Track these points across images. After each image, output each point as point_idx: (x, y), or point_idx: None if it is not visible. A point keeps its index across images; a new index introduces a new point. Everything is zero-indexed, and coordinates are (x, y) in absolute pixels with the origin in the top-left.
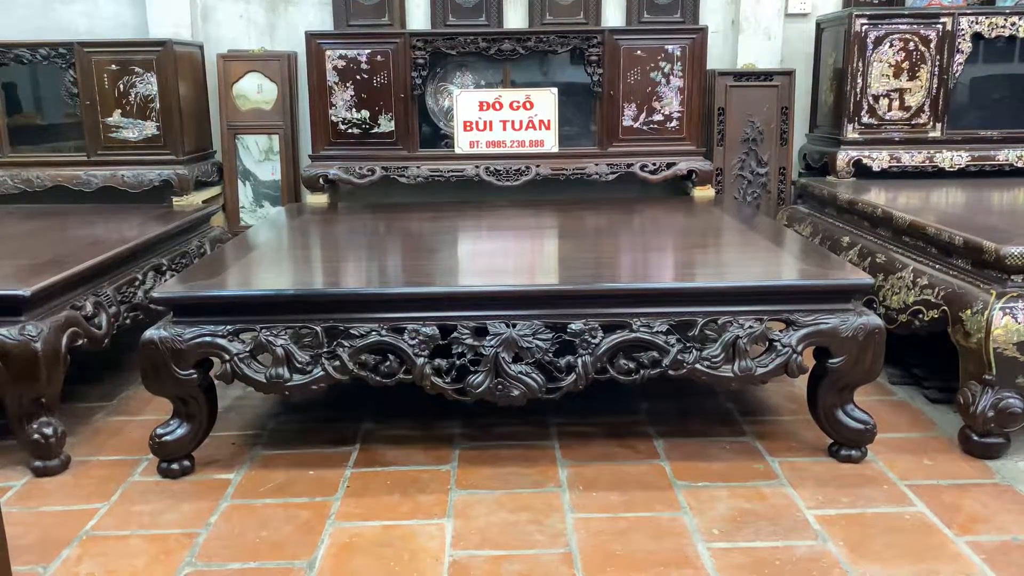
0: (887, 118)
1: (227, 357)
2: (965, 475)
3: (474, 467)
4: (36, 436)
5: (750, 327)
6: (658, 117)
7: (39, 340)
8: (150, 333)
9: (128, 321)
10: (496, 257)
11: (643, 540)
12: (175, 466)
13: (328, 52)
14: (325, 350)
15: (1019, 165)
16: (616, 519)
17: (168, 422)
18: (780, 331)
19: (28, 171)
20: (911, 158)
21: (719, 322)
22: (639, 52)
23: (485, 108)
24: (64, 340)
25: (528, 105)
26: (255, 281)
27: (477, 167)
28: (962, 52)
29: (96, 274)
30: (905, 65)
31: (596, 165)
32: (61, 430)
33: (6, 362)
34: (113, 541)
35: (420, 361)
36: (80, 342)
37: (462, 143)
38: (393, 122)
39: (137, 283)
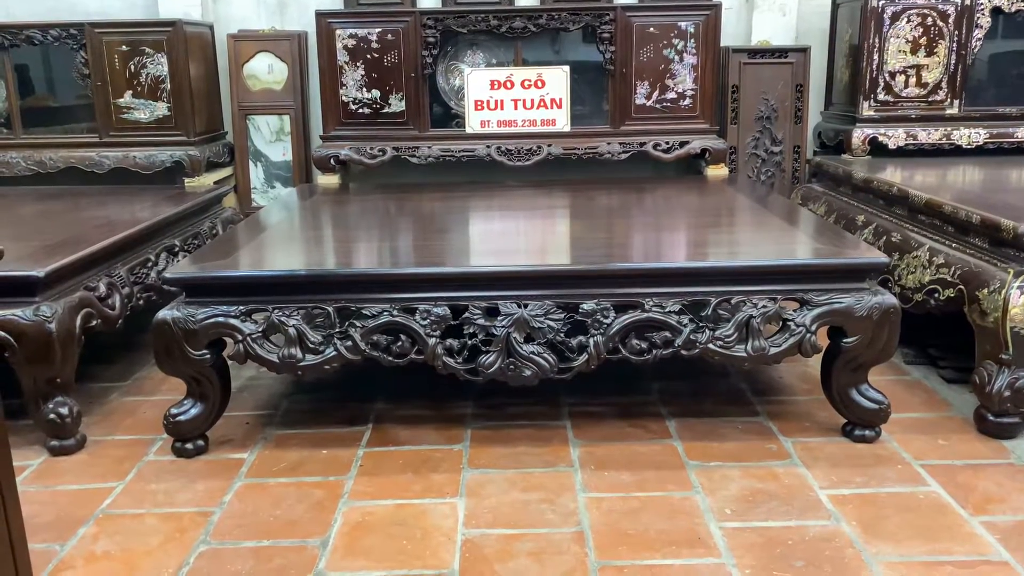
0: (903, 95)
1: (240, 337)
2: (980, 455)
3: (486, 447)
4: (52, 416)
5: (764, 307)
6: (671, 95)
7: (53, 321)
8: (163, 314)
9: (141, 302)
10: (508, 237)
11: (655, 519)
12: (189, 446)
13: (338, 31)
14: (337, 330)
15: None
16: (628, 498)
17: (182, 402)
18: (794, 310)
19: (41, 152)
20: (928, 136)
21: (732, 302)
22: (652, 29)
23: (496, 87)
24: (78, 321)
25: (540, 83)
26: (267, 262)
27: (488, 147)
28: (981, 27)
29: (109, 255)
30: (922, 41)
31: (608, 144)
32: (76, 410)
33: (21, 343)
34: (128, 520)
35: (432, 341)
36: (94, 323)
37: (473, 123)
38: (404, 102)
39: (150, 264)
